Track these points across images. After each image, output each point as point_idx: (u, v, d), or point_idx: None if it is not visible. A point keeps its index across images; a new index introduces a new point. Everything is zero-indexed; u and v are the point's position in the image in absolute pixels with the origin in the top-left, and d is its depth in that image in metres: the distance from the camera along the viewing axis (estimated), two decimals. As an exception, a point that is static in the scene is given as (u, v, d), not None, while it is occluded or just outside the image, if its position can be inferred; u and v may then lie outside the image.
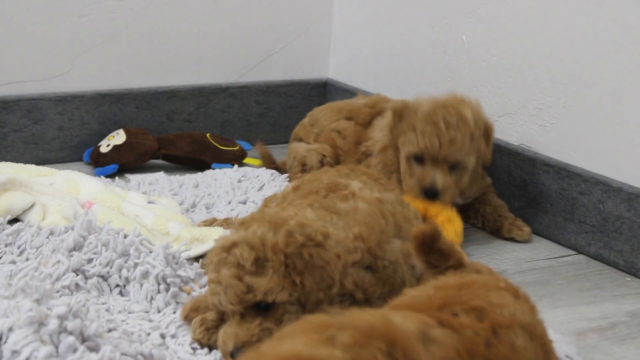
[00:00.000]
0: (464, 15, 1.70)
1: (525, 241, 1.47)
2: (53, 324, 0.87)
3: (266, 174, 1.62)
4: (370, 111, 1.63)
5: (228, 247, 0.94)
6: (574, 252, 1.41)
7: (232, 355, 0.95)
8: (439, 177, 1.36)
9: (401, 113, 1.42)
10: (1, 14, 1.72)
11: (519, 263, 1.37)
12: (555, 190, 1.47)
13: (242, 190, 1.58)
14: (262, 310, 0.96)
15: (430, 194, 1.35)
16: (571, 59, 1.46)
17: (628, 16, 1.37)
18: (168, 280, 1.09)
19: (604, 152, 1.40)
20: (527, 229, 1.50)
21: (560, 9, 1.49)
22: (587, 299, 1.25)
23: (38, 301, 0.92)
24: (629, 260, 1.30)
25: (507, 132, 1.59)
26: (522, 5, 1.56)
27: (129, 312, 1.07)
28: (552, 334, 0.91)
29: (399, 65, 1.91)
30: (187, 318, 1.06)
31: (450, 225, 1.34)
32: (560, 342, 0.99)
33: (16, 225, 1.23)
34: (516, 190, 1.55)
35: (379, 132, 1.56)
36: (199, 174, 1.61)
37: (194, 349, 1.00)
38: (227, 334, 0.96)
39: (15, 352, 0.86)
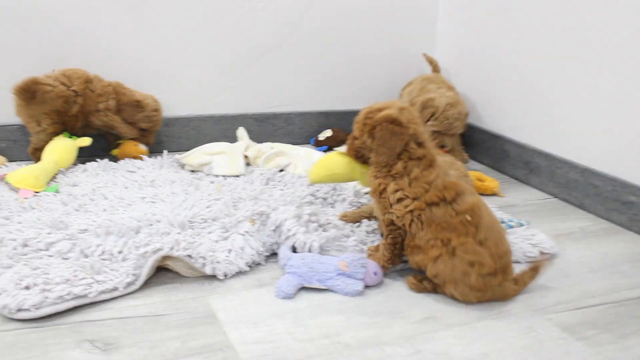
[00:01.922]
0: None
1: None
2: (305, 218, 1.51)
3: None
4: None
5: None
6: (551, 196, 2.00)
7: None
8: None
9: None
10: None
11: (524, 201, 1.98)
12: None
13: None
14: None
15: None
16: None
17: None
18: (354, 203, 1.77)
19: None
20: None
21: None
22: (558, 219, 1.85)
23: (298, 207, 1.56)
24: (581, 201, 1.82)
25: None
26: None
27: (335, 216, 1.65)
28: (543, 235, 1.59)
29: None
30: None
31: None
32: (546, 239, 1.62)
33: (281, 173, 1.98)
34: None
35: None
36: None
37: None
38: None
39: (288, 231, 1.48)
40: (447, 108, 2.12)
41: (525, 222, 1.72)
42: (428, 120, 2.13)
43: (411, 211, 1.35)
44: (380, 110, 1.39)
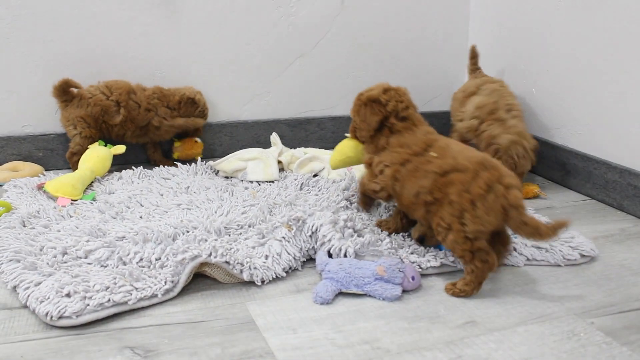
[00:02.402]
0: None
1: None
2: (341, 223, 1.50)
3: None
4: None
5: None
6: (588, 198, 1.96)
7: (418, 239, 1.52)
8: None
9: None
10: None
11: (561, 202, 1.95)
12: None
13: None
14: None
15: None
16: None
17: None
18: (390, 206, 1.76)
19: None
20: None
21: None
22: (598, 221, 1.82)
23: (334, 212, 1.55)
24: (620, 202, 1.81)
25: None
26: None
27: (370, 221, 1.66)
28: (582, 238, 1.57)
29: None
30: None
31: None
32: (585, 242, 1.59)
33: (315, 178, 1.98)
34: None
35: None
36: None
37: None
38: (414, 230, 1.55)
39: (324, 237, 1.46)
40: (511, 146, 1.92)
41: None
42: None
43: (392, 176, 1.49)
44: (368, 92, 1.58)
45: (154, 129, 2.12)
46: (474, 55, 2.32)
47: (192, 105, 2.16)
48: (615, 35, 1.91)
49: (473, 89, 2.16)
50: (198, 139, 2.23)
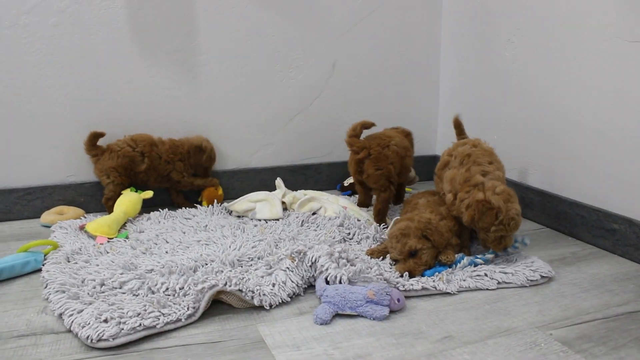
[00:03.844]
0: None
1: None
2: (336, 255, 1.48)
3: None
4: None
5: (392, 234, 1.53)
6: (544, 227, 1.96)
7: (401, 276, 1.47)
8: None
9: None
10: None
11: (521, 232, 1.95)
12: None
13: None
14: (412, 255, 1.51)
15: None
16: None
17: None
18: (377, 238, 1.75)
19: None
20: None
21: None
22: (552, 246, 1.82)
23: (330, 246, 1.55)
24: (570, 230, 1.78)
25: None
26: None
27: (361, 251, 1.66)
28: (540, 262, 1.56)
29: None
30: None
31: None
32: (543, 265, 1.58)
33: (314, 216, 1.97)
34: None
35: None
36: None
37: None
38: (399, 267, 1.50)
39: (322, 266, 1.45)
40: (508, 209, 1.55)
41: (528, 240, 1.67)
42: (492, 226, 1.55)
43: None
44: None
45: (175, 182, 2.12)
46: (457, 125, 2.00)
47: (199, 152, 2.15)
48: (560, 87, 1.92)
49: (446, 158, 1.80)
50: (218, 187, 2.21)
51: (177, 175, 2.11)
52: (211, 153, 2.19)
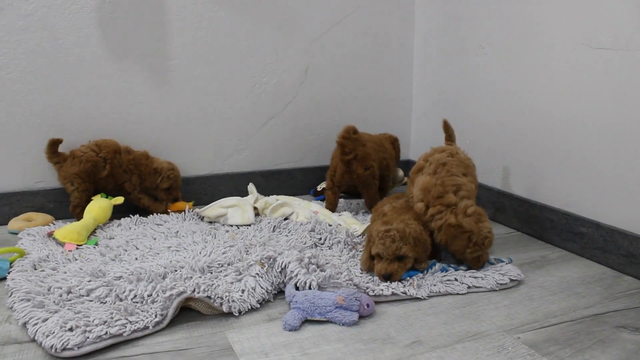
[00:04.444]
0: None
1: None
2: (306, 260, 1.47)
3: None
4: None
5: (386, 231, 1.50)
6: (515, 230, 1.97)
7: (384, 277, 1.48)
8: None
9: None
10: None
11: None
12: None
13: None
14: (399, 259, 1.50)
15: None
16: None
17: None
18: (348, 242, 1.75)
19: None
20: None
21: None
22: (522, 250, 1.84)
23: (300, 251, 1.55)
24: (540, 233, 1.80)
25: None
26: None
27: (332, 256, 1.65)
28: (510, 265, 1.58)
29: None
30: (363, 265, 1.55)
31: None
32: (512, 268, 1.59)
33: (286, 222, 1.95)
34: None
35: None
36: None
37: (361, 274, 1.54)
38: (382, 266, 1.48)
39: (291, 272, 1.44)
40: (480, 229, 1.55)
41: (507, 259, 1.66)
42: (467, 249, 1.56)
43: None
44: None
45: (126, 193, 2.09)
46: (446, 129, 1.95)
47: (154, 174, 2.08)
48: (529, 92, 1.94)
49: (421, 163, 1.73)
50: (188, 203, 2.17)
51: (130, 187, 2.08)
52: (169, 173, 2.09)
